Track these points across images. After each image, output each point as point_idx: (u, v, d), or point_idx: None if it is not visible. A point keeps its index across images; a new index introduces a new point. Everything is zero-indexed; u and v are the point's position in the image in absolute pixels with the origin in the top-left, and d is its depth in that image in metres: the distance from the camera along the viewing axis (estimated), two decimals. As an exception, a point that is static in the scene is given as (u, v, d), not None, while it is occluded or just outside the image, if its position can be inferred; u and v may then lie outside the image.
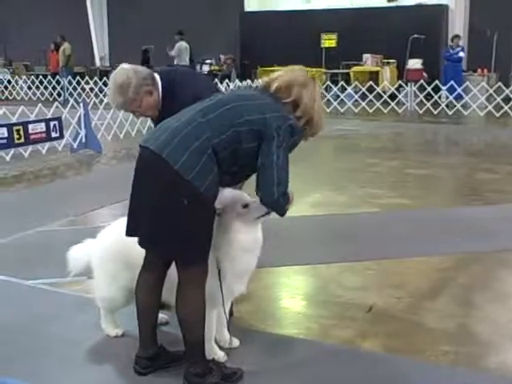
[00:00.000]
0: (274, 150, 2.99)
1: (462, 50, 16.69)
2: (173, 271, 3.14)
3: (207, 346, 3.27)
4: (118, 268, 3.47)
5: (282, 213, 3.14)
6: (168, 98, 3.60)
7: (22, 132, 9.78)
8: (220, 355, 3.38)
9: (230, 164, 3.03)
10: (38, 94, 19.94)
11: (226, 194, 3.16)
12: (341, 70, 19.68)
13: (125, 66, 3.62)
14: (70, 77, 19.52)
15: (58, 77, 19.75)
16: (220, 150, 2.96)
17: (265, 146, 3.00)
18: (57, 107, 11.45)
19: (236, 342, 3.54)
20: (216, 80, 18.11)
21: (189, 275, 3.04)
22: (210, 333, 3.33)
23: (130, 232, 3.17)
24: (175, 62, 18.39)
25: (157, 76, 3.64)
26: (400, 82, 17.28)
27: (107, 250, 3.53)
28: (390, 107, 15.84)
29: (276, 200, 3.03)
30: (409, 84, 16.58)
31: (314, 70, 19.43)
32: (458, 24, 19.25)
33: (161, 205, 2.96)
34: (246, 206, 3.18)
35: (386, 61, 19.13)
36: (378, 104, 15.96)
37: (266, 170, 3.01)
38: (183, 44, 18.16)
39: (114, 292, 3.54)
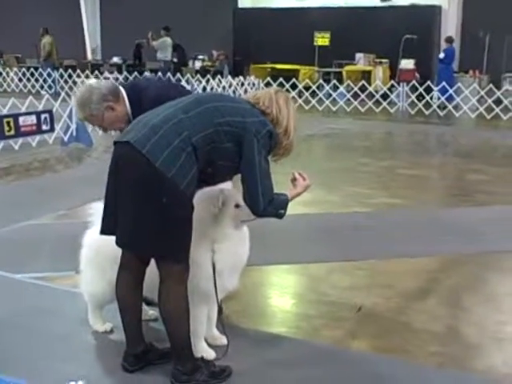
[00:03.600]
0: (256, 158, 3.00)
1: (445, 51, 16.67)
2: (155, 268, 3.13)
3: (197, 343, 3.28)
4: (106, 262, 3.44)
5: (276, 217, 3.14)
6: (136, 110, 3.56)
7: (12, 124, 9.74)
8: (209, 353, 3.37)
9: (206, 163, 3.02)
10: (29, 86, 19.82)
11: (226, 191, 3.19)
12: (333, 69, 19.68)
13: (88, 81, 3.68)
14: (49, 69, 19.29)
15: (48, 69, 19.62)
16: (199, 147, 2.95)
17: (245, 152, 3.00)
18: (48, 100, 11.39)
19: (224, 340, 3.54)
20: (208, 75, 18.07)
21: (170, 273, 3.03)
22: (201, 330, 3.34)
23: (105, 230, 3.12)
24: (157, 55, 18.41)
25: (122, 90, 3.66)
26: (392, 81, 17.31)
27: (96, 244, 3.51)
28: (381, 107, 15.87)
29: (263, 210, 3.06)
30: (401, 84, 16.61)
31: (306, 67, 19.48)
32: (450, 25, 19.29)
33: (139, 202, 2.92)
34: (237, 206, 3.21)
35: (378, 60, 19.15)
36: (369, 103, 15.99)
37: (249, 181, 3.03)
38: (168, 40, 18.16)
39: (102, 287, 3.52)
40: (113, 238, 3.11)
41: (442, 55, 16.52)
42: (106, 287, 3.49)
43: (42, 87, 19.46)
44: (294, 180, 3.29)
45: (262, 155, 3.02)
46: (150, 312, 3.83)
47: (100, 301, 3.64)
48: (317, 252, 5.34)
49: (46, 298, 4.34)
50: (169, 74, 18.18)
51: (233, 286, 3.34)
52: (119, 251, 3.25)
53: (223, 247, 3.19)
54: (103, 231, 3.14)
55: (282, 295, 4.58)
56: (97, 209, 3.42)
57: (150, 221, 2.92)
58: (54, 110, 10.73)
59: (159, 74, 17.93)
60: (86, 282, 3.64)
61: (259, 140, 3.01)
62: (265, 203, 3.03)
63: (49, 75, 19.17)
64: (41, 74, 19.96)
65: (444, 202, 7.48)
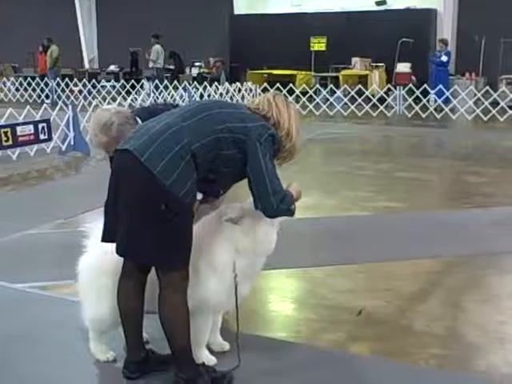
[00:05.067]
0: (261, 160, 3.00)
1: (447, 54, 16.71)
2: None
3: (198, 350, 3.26)
4: (105, 286, 3.30)
5: (288, 215, 3.14)
6: None
7: (10, 134, 9.73)
8: (210, 359, 3.36)
9: (208, 171, 3.03)
10: (26, 95, 19.85)
11: (244, 205, 3.21)
12: (330, 74, 19.72)
13: (107, 106, 3.71)
14: (58, 79, 19.46)
15: (46, 79, 19.69)
16: (199, 155, 2.94)
17: (250, 157, 3.00)
18: (45, 109, 11.39)
19: (227, 346, 3.53)
20: (205, 82, 18.09)
21: (169, 281, 3.02)
22: (203, 338, 3.32)
23: (106, 238, 3.12)
24: (150, 65, 18.45)
25: (137, 118, 3.70)
26: (389, 85, 17.34)
27: (93, 269, 3.38)
28: (378, 110, 15.89)
29: (276, 209, 3.05)
30: (397, 87, 16.63)
31: (303, 72, 19.51)
32: (446, 28, 19.35)
33: (138, 210, 2.92)
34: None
35: (374, 64, 19.19)
36: (366, 107, 16.01)
37: (258, 183, 3.02)
38: (158, 47, 18.19)
39: (103, 311, 3.35)
40: (110, 261, 3.10)
41: (444, 58, 16.49)
42: (106, 311, 3.34)
43: (39, 97, 19.51)
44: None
45: (266, 157, 3.02)
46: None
47: (101, 326, 3.45)
48: (316, 256, 5.34)
49: (46, 307, 4.33)
50: (165, 81, 18.21)
51: (246, 293, 3.35)
52: (118, 274, 3.20)
53: (247, 261, 3.18)
54: (104, 238, 3.14)
55: (282, 300, 4.57)
56: (92, 232, 3.37)
57: (149, 229, 2.92)
58: (52, 119, 10.73)
59: (156, 81, 17.95)
60: (85, 308, 3.48)
61: (262, 143, 3.02)
62: (277, 202, 3.03)
63: (57, 85, 19.24)
64: (38, 84, 20.01)
65: (443, 205, 7.48)
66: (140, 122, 3.65)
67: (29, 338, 3.81)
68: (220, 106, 3.16)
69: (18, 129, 9.92)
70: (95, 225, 3.27)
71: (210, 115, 3.04)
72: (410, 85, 16.47)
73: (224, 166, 3.06)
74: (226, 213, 3.17)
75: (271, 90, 14.60)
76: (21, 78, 21.68)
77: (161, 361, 3.34)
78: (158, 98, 17.17)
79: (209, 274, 3.17)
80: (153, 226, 2.91)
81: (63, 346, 3.73)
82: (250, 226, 3.17)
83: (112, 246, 3.08)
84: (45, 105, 12.23)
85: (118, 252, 3.07)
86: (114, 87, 19.62)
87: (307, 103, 16.49)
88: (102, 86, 20.01)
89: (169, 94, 17.55)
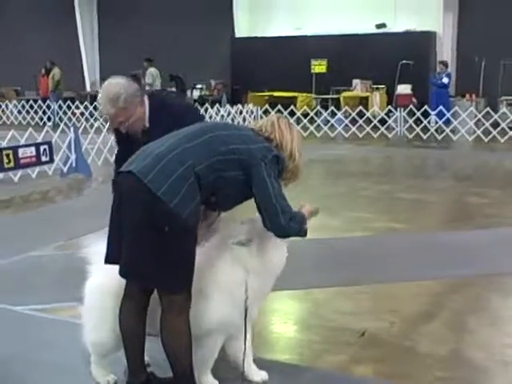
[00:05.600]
0: (267, 180, 3.00)
1: (447, 75, 16.79)
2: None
3: (203, 374, 3.23)
4: (108, 309, 3.27)
5: (300, 235, 3.14)
6: (155, 119, 3.66)
7: (11, 156, 9.76)
8: (211, 382, 3.31)
9: (210, 193, 3.02)
10: (29, 118, 19.93)
11: (248, 223, 3.20)
12: (331, 96, 19.82)
13: (116, 78, 3.66)
14: (60, 101, 19.56)
15: (48, 101, 19.79)
16: (203, 177, 2.94)
17: (255, 178, 3.00)
18: (47, 132, 11.43)
19: (265, 375, 3.47)
20: (206, 104, 18.16)
21: (172, 303, 3.00)
22: (211, 362, 3.28)
23: (109, 259, 3.10)
24: (146, 87, 18.50)
25: (146, 98, 3.71)
26: (389, 107, 17.40)
27: (97, 292, 3.36)
28: (379, 132, 15.93)
29: (287, 229, 3.05)
30: (398, 109, 16.69)
31: (304, 94, 19.59)
32: (445, 50, 19.48)
33: (142, 232, 2.91)
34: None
35: (375, 86, 19.28)
36: (367, 129, 16.06)
37: (266, 204, 3.02)
38: (154, 70, 18.27)
39: (105, 335, 3.32)
40: (114, 283, 3.09)
41: (445, 80, 16.55)
42: (108, 335, 3.31)
43: (41, 119, 19.59)
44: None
45: (272, 177, 3.03)
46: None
47: (103, 349, 3.41)
48: (319, 277, 5.31)
49: (47, 329, 4.31)
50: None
51: (255, 316, 3.33)
52: (120, 298, 3.18)
53: (258, 281, 3.17)
54: (107, 260, 3.12)
55: (285, 321, 4.54)
56: (96, 257, 3.34)
57: (152, 250, 2.91)
58: (54, 141, 10.76)
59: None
60: (88, 331, 3.43)
61: (267, 164, 3.02)
62: (286, 221, 3.02)
63: (59, 107, 19.32)
64: (40, 107, 20.10)
65: (445, 226, 7.46)
66: (147, 101, 3.67)
67: (29, 360, 3.78)
68: (224, 128, 3.18)
69: (20, 151, 9.96)
70: (100, 247, 3.24)
71: (214, 137, 3.05)
72: (411, 106, 16.53)
73: (227, 188, 3.05)
74: (234, 235, 3.16)
75: (272, 112, 14.69)
76: (23, 101, 21.79)
77: (162, 384, 3.31)
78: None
79: (219, 296, 3.14)
80: (156, 248, 2.90)
81: (64, 368, 3.70)
82: (258, 246, 3.16)
83: (116, 269, 3.06)
84: (46, 127, 12.27)
85: (121, 273, 3.05)
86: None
87: (308, 125, 16.54)
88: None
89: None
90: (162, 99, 3.87)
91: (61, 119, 18.50)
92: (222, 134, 3.09)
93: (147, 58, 18.39)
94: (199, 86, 22.17)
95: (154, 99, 3.74)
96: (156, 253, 2.91)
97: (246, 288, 3.13)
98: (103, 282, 3.31)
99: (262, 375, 3.46)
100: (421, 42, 19.22)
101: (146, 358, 3.37)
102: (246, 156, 3.01)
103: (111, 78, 3.66)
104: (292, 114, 16.66)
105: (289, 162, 3.17)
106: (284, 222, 3.01)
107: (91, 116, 18.78)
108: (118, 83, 3.60)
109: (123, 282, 3.10)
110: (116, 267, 3.06)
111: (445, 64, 17.02)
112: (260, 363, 3.64)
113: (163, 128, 3.33)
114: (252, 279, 3.15)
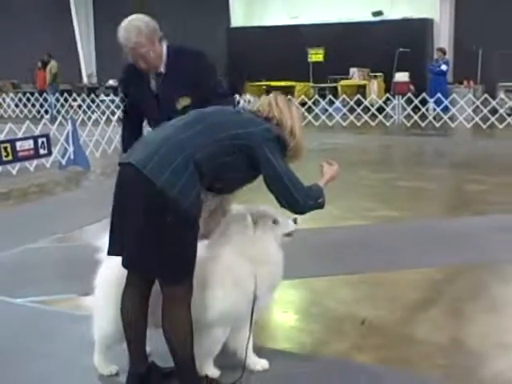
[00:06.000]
0: (273, 160, 3.00)
1: (446, 63, 16.72)
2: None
3: (205, 362, 3.23)
4: (117, 301, 3.22)
5: (319, 207, 3.16)
6: (171, 65, 3.73)
7: (9, 149, 9.75)
8: (213, 372, 3.33)
9: (214, 180, 3.02)
10: (26, 111, 19.88)
11: (256, 208, 3.19)
12: (328, 84, 19.76)
13: (135, 18, 3.72)
14: (57, 94, 19.51)
15: (45, 94, 19.75)
16: (203, 164, 2.93)
17: (262, 161, 3.00)
18: (45, 124, 11.41)
19: (266, 364, 3.48)
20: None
21: (173, 294, 3.00)
22: (216, 350, 3.28)
23: (112, 251, 3.10)
24: None
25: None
26: (387, 94, 17.37)
27: (106, 283, 3.34)
28: (377, 120, 15.91)
29: (304, 204, 3.07)
30: (396, 97, 16.66)
31: (301, 83, 19.55)
32: (442, 37, 19.42)
33: (143, 222, 2.90)
34: (275, 222, 3.22)
35: (373, 74, 19.23)
36: (365, 117, 16.04)
37: (276, 183, 3.02)
38: None
39: (112, 326, 3.30)
40: (121, 274, 3.09)
41: (444, 67, 16.47)
42: (115, 327, 3.28)
43: (38, 112, 19.55)
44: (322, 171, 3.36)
45: (277, 157, 3.03)
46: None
47: (110, 341, 3.39)
48: (319, 266, 5.31)
49: (47, 321, 4.30)
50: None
51: (266, 307, 3.33)
52: None
53: (265, 271, 3.17)
54: (109, 252, 3.12)
55: (285, 310, 4.54)
56: (104, 246, 3.29)
57: (154, 241, 2.90)
58: (51, 134, 10.74)
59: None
60: (98, 322, 3.40)
61: (269, 145, 3.02)
62: (302, 198, 3.04)
63: (57, 100, 19.27)
64: (37, 99, 20.05)
65: (444, 213, 7.46)
66: (165, 46, 3.76)
67: (29, 352, 3.79)
68: (220, 114, 3.16)
69: (18, 144, 9.94)
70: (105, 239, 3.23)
71: (212, 124, 3.04)
72: (409, 94, 16.49)
73: (230, 173, 3.05)
74: (243, 218, 3.15)
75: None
76: (20, 94, 21.74)
77: (163, 374, 3.30)
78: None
79: (225, 286, 3.13)
80: (157, 239, 2.90)
81: (65, 359, 3.70)
82: (256, 234, 3.16)
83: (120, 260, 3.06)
84: (44, 120, 12.24)
85: (124, 264, 3.06)
86: (112, 101, 19.65)
87: (306, 114, 16.50)
88: (101, 101, 20.04)
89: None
90: (180, 46, 3.95)
91: (58, 112, 18.47)
92: (220, 120, 3.07)
93: None
94: (196, 76, 22.08)
95: (172, 46, 3.81)
96: (157, 243, 2.90)
97: (256, 278, 3.12)
98: (114, 272, 3.29)
99: (263, 364, 3.47)
100: (418, 30, 19.15)
101: (148, 348, 3.37)
102: (247, 140, 3.00)
103: (130, 17, 3.70)
104: (290, 103, 16.58)
105: (290, 138, 3.15)
106: (300, 200, 3.04)
107: (88, 108, 18.75)
108: (138, 18, 3.69)
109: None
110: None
111: (443, 51, 16.95)
112: (261, 352, 3.65)
113: (179, 74, 3.50)
114: (259, 267, 3.14)
